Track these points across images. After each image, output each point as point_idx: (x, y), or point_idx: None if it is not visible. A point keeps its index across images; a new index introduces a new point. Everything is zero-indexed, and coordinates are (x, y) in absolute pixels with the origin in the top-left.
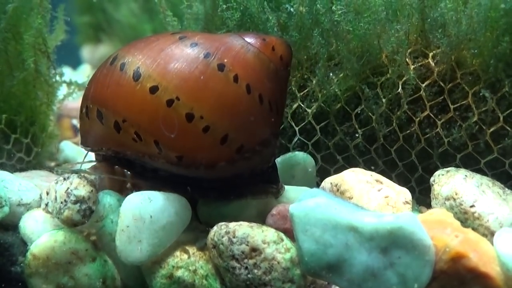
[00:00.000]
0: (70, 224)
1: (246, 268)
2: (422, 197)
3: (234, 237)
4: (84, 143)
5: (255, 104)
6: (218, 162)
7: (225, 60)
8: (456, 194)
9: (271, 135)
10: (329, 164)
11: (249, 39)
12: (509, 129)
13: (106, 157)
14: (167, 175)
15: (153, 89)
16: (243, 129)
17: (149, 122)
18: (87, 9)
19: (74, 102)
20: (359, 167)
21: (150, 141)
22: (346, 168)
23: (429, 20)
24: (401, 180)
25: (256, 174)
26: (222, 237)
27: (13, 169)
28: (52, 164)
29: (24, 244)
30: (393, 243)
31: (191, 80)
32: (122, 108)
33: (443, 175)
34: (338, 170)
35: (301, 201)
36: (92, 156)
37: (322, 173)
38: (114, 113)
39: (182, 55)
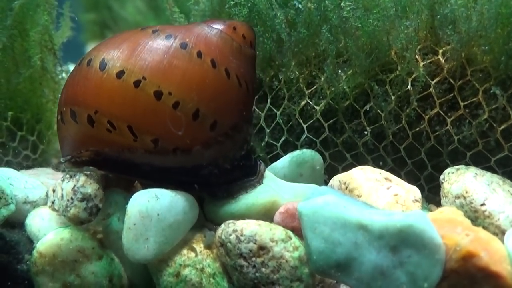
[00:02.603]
0: (77, 222)
1: (254, 266)
2: (432, 195)
3: (241, 235)
4: (64, 153)
5: (222, 77)
6: (193, 144)
7: (187, 40)
8: (467, 192)
9: (243, 117)
10: (337, 161)
11: (212, 24)
12: None
13: (89, 162)
14: (150, 169)
15: (119, 74)
16: (214, 103)
17: (120, 107)
18: (93, 6)
19: None
20: (368, 165)
21: (123, 127)
22: (354, 166)
23: (438, 16)
24: (411, 178)
25: (231, 163)
26: (230, 235)
27: (19, 167)
28: (56, 161)
29: (30, 242)
30: (403, 241)
31: (155, 60)
32: (92, 99)
33: (453, 173)
34: (346, 168)
35: (310, 199)
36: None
37: (330, 171)
38: (85, 107)
39: (145, 41)
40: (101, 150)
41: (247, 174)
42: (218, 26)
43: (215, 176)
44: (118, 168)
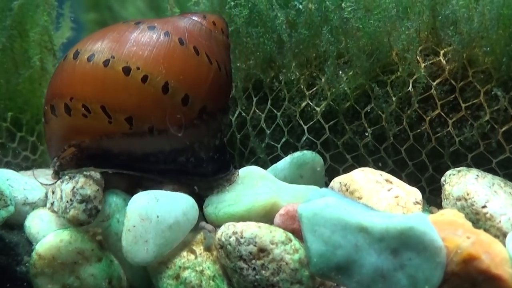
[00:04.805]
0: (76, 224)
1: (254, 269)
2: (433, 197)
3: (241, 237)
4: (51, 156)
5: (191, 53)
6: (168, 122)
7: (155, 24)
8: (468, 194)
9: (217, 101)
10: (338, 163)
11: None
12: None
13: (74, 161)
14: (128, 159)
15: (90, 58)
16: (183, 76)
17: (91, 88)
18: (93, 6)
19: None
20: (369, 167)
21: (97, 109)
22: (355, 168)
23: (440, 17)
24: (411, 180)
25: (207, 153)
26: (230, 237)
27: (18, 168)
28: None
29: (29, 243)
30: (404, 244)
31: (123, 40)
32: (67, 88)
33: (454, 175)
34: (347, 170)
35: (310, 201)
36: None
37: (331, 173)
38: (61, 97)
39: (115, 29)
40: (82, 144)
41: (220, 170)
42: (188, 14)
43: (192, 164)
44: (99, 162)
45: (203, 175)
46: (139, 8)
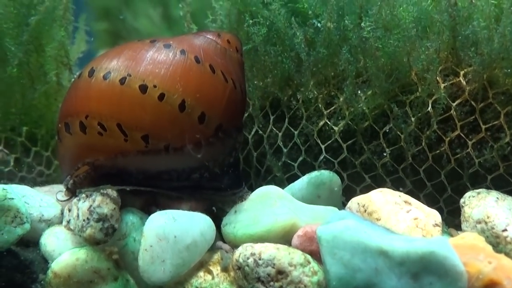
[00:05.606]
0: (93, 243)
1: None
2: (450, 218)
3: (260, 259)
4: (64, 174)
5: (207, 71)
6: (184, 140)
7: (171, 42)
8: (488, 217)
9: (233, 119)
10: (355, 183)
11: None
12: None
13: (88, 180)
14: (142, 177)
15: (106, 76)
16: (200, 94)
17: (107, 106)
18: (104, 15)
19: None
20: (386, 187)
21: (113, 126)
22: (372, 188)
23: (460, 37)
24: (429, 201)
25: (221, 168)
26: (248, 258)
27: (33, 182)
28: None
29: (45, 261)
30: (425, 268)
31: (139, 58)
32: (82, 105)
33: (473, 197)
34: (364, 189)
35: (329, 223)
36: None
37: (348, 192)
38: (77, 115)
39: (130, 47)
40: (97, 162)
41: (233, 185)
42: (203, 32)
43: (206, 179)
44: (113, 181)
45: (217, 189)
46: (151, 18)
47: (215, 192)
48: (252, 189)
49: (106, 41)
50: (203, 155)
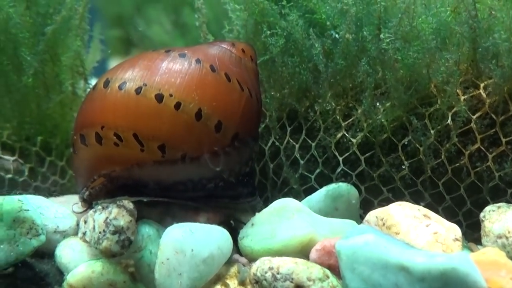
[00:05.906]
0: (109, 255)
1: None
2: (469, 231)
3: (278, 273)
4: (80, 186)
5: (223, 80)
6: (201, 149)
7: (185, 51)
8: (509, 232)
9: (249, 128)
10: (373, 195)
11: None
12: None
13: (103, 192)
14: (158, 188)
15: (121, 86)
16: (216, 103)
17: (123, 116)
18: (116, 22)
19: None
20: (405, 200)
21: (129, 137)
22: (390, 201)
23: (480, 49)
24: (448, 214)
25: (235, 178)
26: (266, 272)
27: (47, 192)
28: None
29: (60, 273)
30: (446, 284)
31: (155, 68)
32: (98, 116)
33: (494, 211)
34: (382, 202)
35: (349, 238)
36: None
37: (366, 205)
38: (92, 126)
39: (145, 57)
40: (113, 173)
41: (248, 193)
42: (217, 41)
43: (221, 189)
44: (129, 192)
45: (231, 197)
46: (164, 26)
47: (230, 200)
48: (268, 201)
49: (118, 48)
50: (219, 164)
